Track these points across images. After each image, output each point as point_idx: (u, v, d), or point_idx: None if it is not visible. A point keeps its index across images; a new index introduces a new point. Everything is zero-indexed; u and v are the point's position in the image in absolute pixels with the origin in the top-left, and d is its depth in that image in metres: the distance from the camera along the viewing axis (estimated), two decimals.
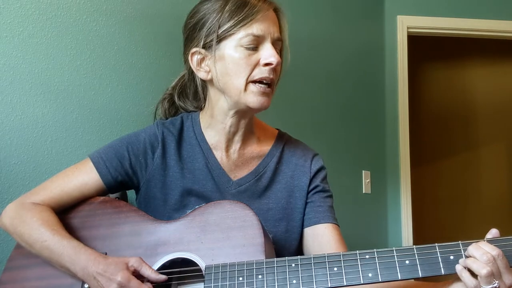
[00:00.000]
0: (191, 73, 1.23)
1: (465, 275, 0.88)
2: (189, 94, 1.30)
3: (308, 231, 1.19)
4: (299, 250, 1.20)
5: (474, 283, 0.86)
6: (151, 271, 1.01)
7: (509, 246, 0.87)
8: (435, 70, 4.90)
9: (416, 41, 3.56)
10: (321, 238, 1.17)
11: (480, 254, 0.86)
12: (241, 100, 1.12)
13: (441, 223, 4.62)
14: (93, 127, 1.73)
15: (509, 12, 3.37)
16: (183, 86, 1.31)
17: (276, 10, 1.16)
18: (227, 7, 1.11)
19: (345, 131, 2.89)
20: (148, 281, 1.02)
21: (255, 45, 1.10)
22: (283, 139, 1.28)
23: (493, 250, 0.86)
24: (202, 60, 1.16)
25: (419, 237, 3.08)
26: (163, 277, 1.02)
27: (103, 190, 1.19)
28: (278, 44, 1.15)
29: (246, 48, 1.10)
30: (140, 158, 1.19)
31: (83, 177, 1.17)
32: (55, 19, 1.68)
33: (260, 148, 1.24)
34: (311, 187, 1.23)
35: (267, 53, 1.10)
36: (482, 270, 0.85)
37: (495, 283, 0.85)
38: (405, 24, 3.26)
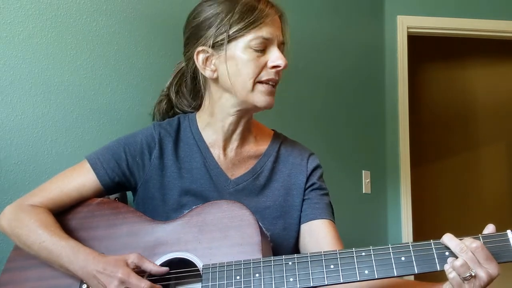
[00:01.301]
0: (193, 71, 1.24)
1: (445, 267, 0.89)
2: (185, 92, 1.31)
3: (305, 227, 1.20)
4: (296, 247, 1.21)
5: (452, 274, 0.87)
6: (152, 265, 1.02)
7: (499, 242, 0.88)
8: (435, 70, 4.91)
9: (416, 41, 3.56)
10: (318, 234, 1.18)
11: (453, 245, 0.88)
12: (248, 99, 1.15)
13: (441, 223, 4.61)
14: (93, 127, 1.74)
15: (509, 12, 3.37)
16: (178, 85, 1.32)
17: (281, 17, 1.19)
18: (237, 9, 1.13)
19: (345, 131, 2.90)
20: (150, 275, 1.03)
21: (263, 47, 1.13)
22: (279, 139, 1.29)
23: (472, 243, 0.87)
24: (207, 59, 1.17)
25: (419, 237, 3.08)
26: (164, 269, 1.03)
27: (100, 191, 1.20)
28: (282, 47, 1.18)
29: (255, 50, 1.12)
30: (137, 159, 1.20)
31: (81, 178, 1.18)
32: (55, 19, 1.68)
33: (257, 148, 1.25)
34: (308, 184, 1.24)
35: (275, 56, 1.13)
36: (454, 261, 0.87)
37: (471, 271, 0.86)
38: (405, 24, 3.27)
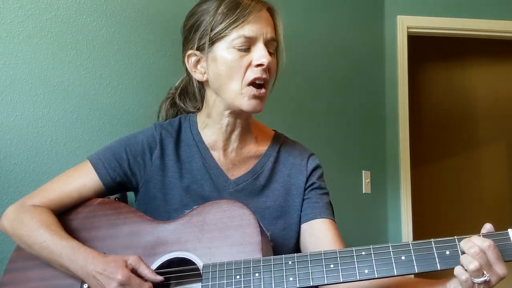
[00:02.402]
0: (188, 74, 1.24)
1: (457, 269, 0.88)
2: (190, 94, 1.32)
3: (305, 227, 1.20)
4: (297, 247, 1.21)
5: (465, 275, 0.86)
6: (148, 271, 1.01)
7: (501, 240, 0.87)
8: (435, 70, 4.91)
9: (416, 41, 3.56)
10: (318, 233, 1.17)
11: (468, 247, 0.86)
12: (235, 102, 1.14)
13: (441, 223, 4.62)
14: (93, 127, 1.74)
15: (509, 12, 3.37)
16: (185, 87, 1.32)
17: (269, 10, 1.17)
18: (219, 9, 1.12)
19: (345, 131, 2.89)
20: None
21: (247, 46, 1.11)
22: (279, 140, 1.29)
23: (484, 242, 0.85)
24: (197, 61, 1.18)
25: (419, 237, 3.06)
26: (159, 278, 1.02)
27: (102, 191, 1.20)
28: (272, 44, 1.16)
29: (238, 49, 1.11)
30: (138, 159, 1.20)
31: (83, 178, 1.19)
32: (55, 19, 1.68)
33: (257, 148, 1.25)
34: (308, 184, 1.23)
35: (258, 54, 1.11)
36: (469, 265, 0.85)
37: (485, 276, 0.85)
38: (405, 24, 3.27)
